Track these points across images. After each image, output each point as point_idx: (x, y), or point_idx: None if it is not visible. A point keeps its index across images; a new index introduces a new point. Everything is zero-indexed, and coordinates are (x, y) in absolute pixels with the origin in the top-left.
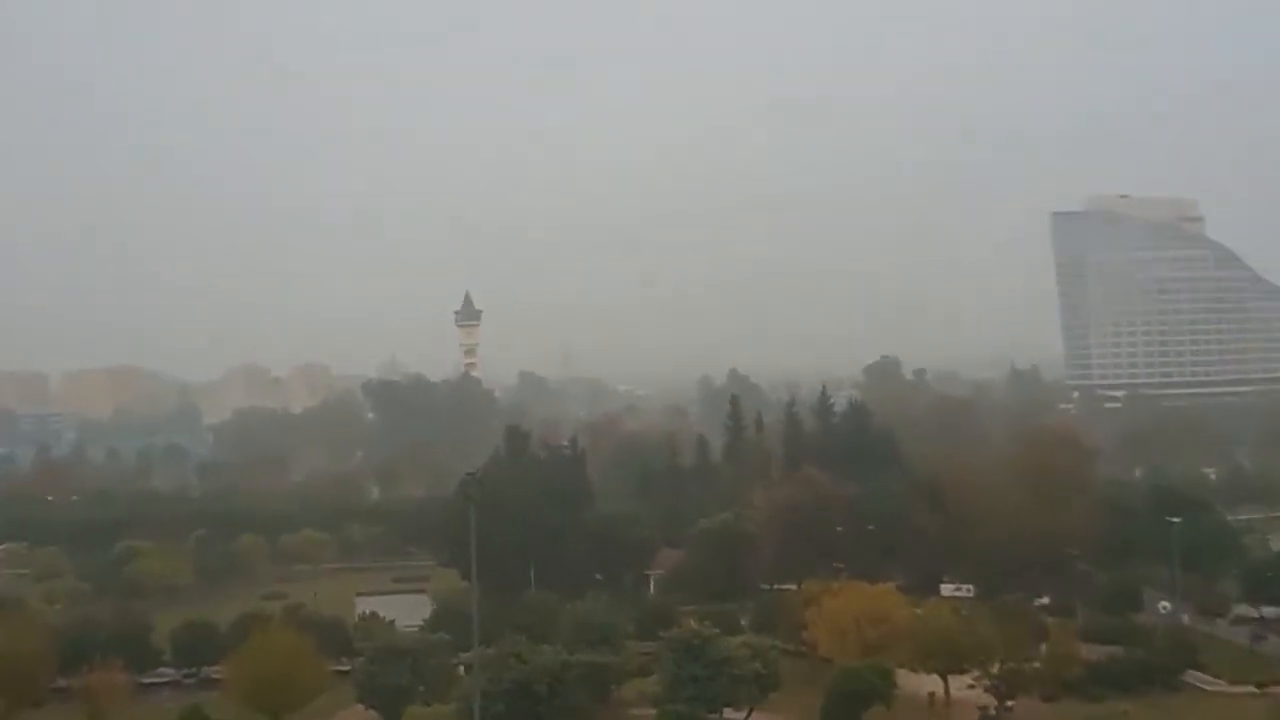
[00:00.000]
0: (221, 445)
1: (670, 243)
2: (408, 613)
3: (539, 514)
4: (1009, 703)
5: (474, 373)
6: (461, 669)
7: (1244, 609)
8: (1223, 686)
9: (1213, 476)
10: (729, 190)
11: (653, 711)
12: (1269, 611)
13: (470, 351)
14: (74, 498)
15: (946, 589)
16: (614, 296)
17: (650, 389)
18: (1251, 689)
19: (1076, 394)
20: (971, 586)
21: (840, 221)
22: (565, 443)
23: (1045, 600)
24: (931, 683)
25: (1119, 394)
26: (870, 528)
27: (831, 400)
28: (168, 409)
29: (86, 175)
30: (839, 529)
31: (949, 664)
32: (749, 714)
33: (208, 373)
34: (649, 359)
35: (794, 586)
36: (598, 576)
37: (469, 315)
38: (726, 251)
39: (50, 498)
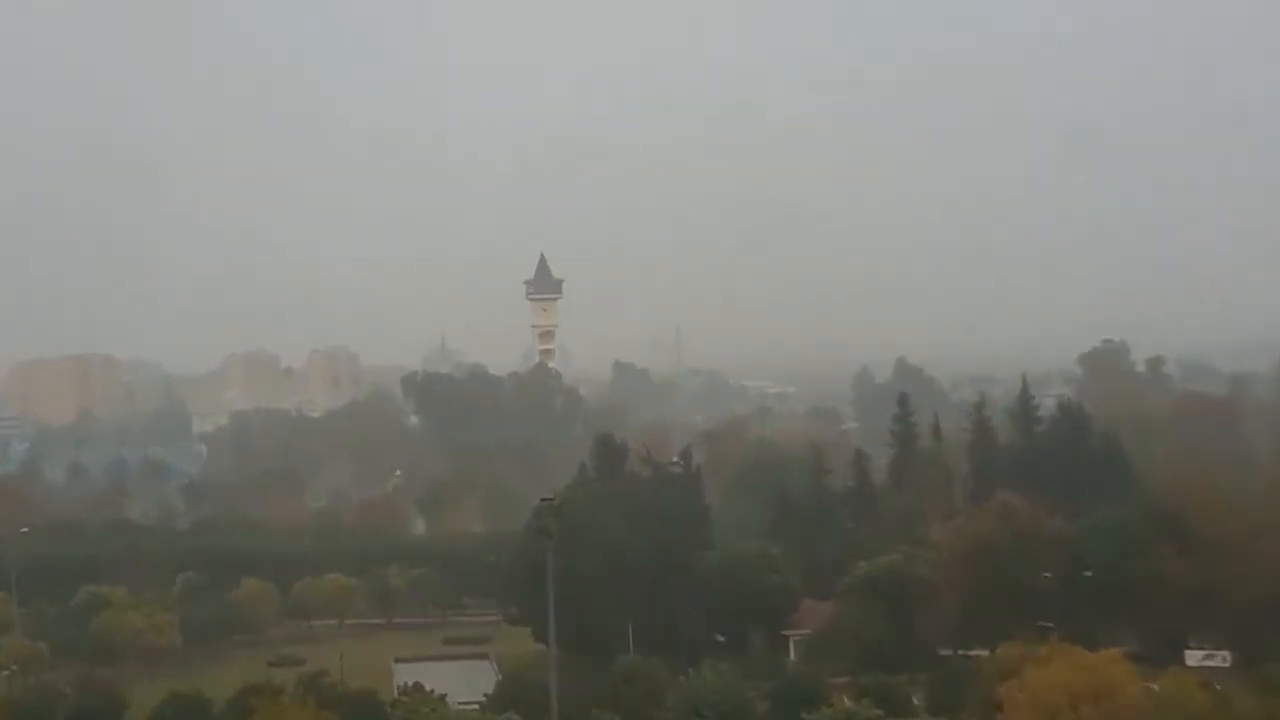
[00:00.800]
0: (217, 459)
1: (805, 191)
2: (464, 684)
3: (639, 554)
4: None
5: (551, 363)
6: None
7: None
8: None
9: None
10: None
11: None
12: None
13: (547, 335)
14: (24, 529)
15: (1194, 656)
16: (737, 263)
17: (789, 385)
18: None
19: None
20: (1228, 653)
21: (1051, 155)
22: (676, 458)
23: None
24: None
25: None
26: (1088, 573)
27: (1035, 400)
28: (147, 411)
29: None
30: (1046, 575)
31: None
32: None
33: (200, 362)
34: (786, 345)
35: (986, 652)
36: (719, 638)
37: (545, 286)
38: (886, 196)
39: None
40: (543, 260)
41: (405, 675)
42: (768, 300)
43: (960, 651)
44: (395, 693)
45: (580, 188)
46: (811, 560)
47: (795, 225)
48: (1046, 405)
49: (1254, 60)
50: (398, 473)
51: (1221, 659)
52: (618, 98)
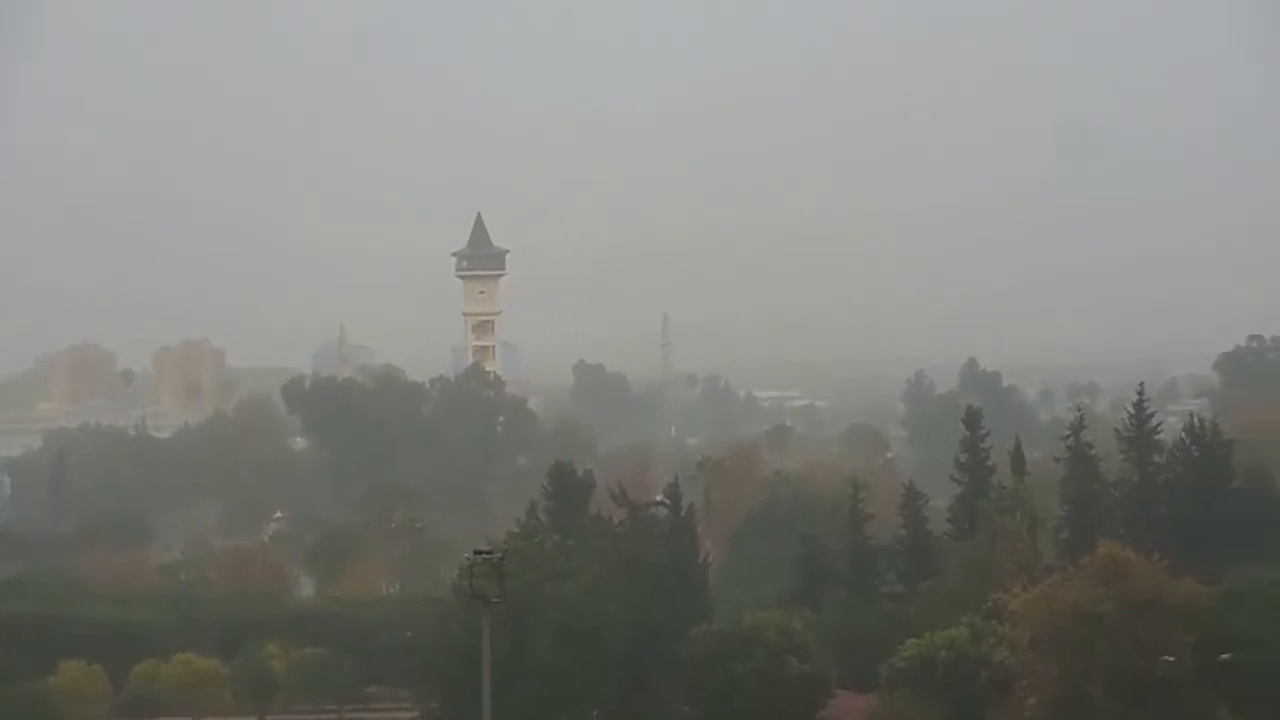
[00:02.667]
0: (27, 494)
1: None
2: None
3: (609, 629)
4: None
5: (490, 365)
6: None
7: None
8: None
9: None
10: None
11: None
12: None
13: (484, 327)
14: None
15: None
16: (745, 230)
17: (816, 395)
18: None
19: None
20: None
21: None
22: (661, 495)
23: None
24: None
25: None
26: (1228, 656)
27: (1156, 419)
28: None
29: None
30: (1169, 658)
31: None
32: None
33: (4, 362)
34: (814, 341)
35: None
36: None
37: (482, 258)
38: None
39: None
40: (479, 223)
41: None
42: (788, 291)
43: None
44: None
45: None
46: (847, 637)
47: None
48: (1171, 426)
49: None
50: (278, 514)
51: None
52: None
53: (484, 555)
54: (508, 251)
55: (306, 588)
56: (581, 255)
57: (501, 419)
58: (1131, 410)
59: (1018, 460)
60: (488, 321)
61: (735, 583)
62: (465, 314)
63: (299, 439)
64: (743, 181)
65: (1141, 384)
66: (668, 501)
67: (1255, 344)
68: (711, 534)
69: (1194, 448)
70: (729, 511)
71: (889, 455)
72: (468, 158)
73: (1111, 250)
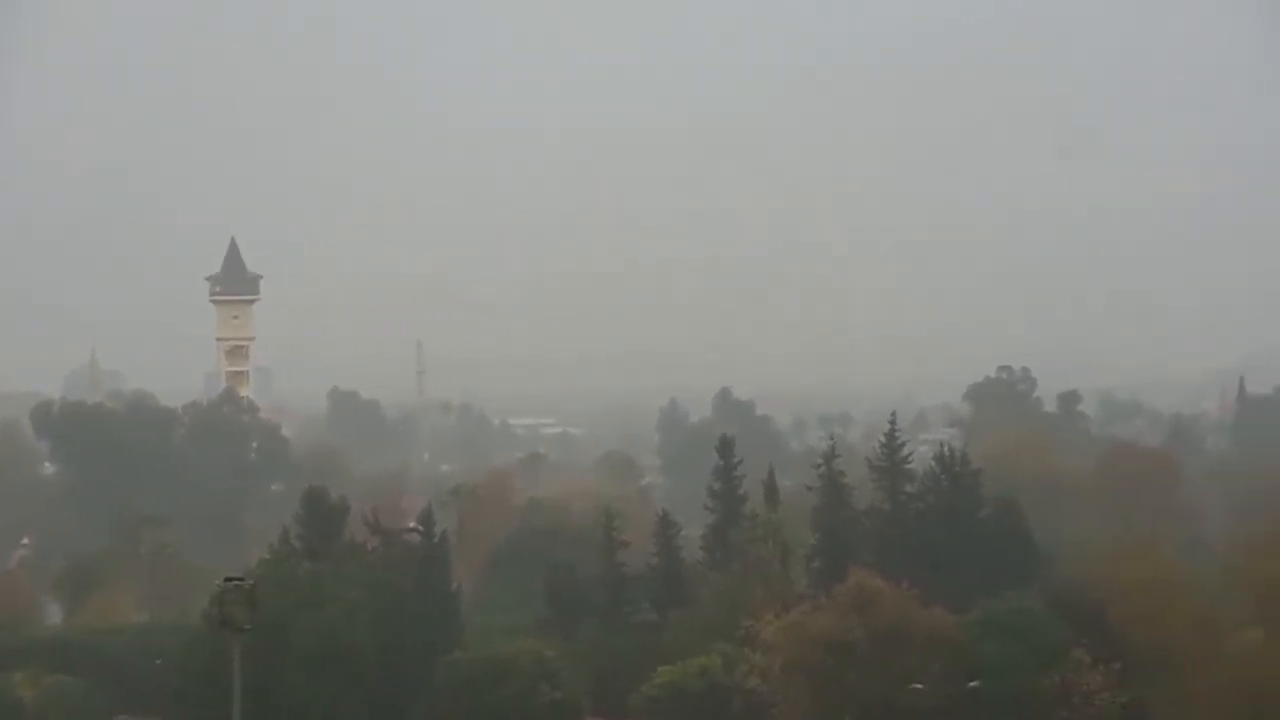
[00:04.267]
0: None
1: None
2: None
3: (360, 658)
4: None
5: (244, 390)
6: None
7: None
8: None
9: None
10: None
11: None
12: None
13: (237, 352)
14: None
15: None
16: (500, 264)
17: (572, 423)
18: None
19: None
20: None
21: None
22: (414, 522)
23: None
24: None
25: None
26: (975, 684)
27: (905, 446)
28: None
29: None
30: (917, 686)
31: None
32: None
33: None
34: (570, 371)
35: None
36: None
37: (235, 284)
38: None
39: None
40: (234, 248)
41: None
42: (546, 314)
43: None
44: None
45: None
46: (600, 665)
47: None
48: (922, 455)
49: None
50: (25, 541)
51: None
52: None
53: (235, 582)
54: (261, 277)
55: (53, 615)
56: (338, 282)
57: (255, 445)
58: (883, 439)
59: (770, 489)
60: (241, 347)
61: (489, 610)
62: (218, 339)
63: (47, 464)
64: (514, 222)
65: (893, 414)
66: (421, 528)
67: (1004, 374)
68: (465, 561)
69: (944, 477)
70: (483, 539)
71: (643, 483)
72: (226, 182)
73: (863, 283)
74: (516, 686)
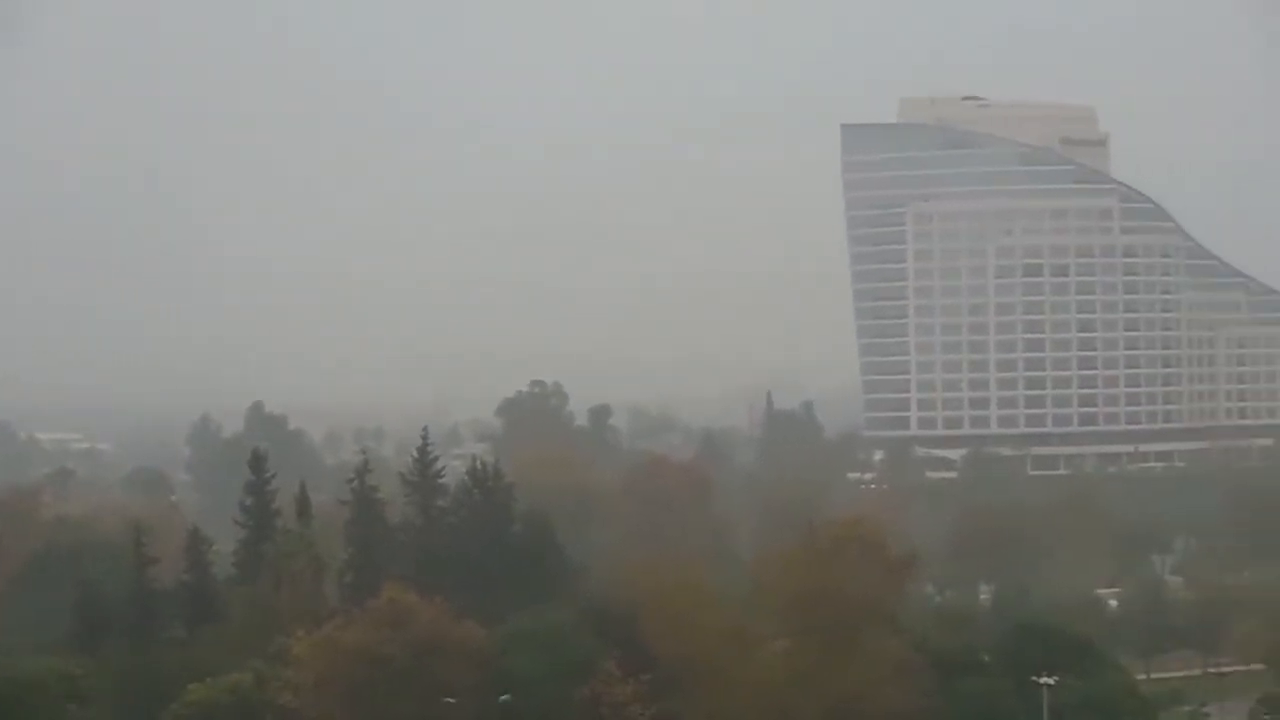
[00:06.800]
0: None
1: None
2: None
3: None
4: None
5: None
6: None
7: None
8: None
9: (1113, 603)
10: None
11: None
12: None
13: None
14: None
15: None
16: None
17: (100, 439)
18: None
19: (881, 454)
20: None
21: None
22: None
23: None
24: None
25: (955, 454)
26: (507, 696)
27: (438, 461)
28: None
29: None
30: (450, 699)
31: None
32: None
33: None
34: (98, 385)
35: None
36: None
37: None
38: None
39: None
40: None
41: None
42: (69, 328)
43: None
44: None
45: None
46: (129, 683)
47: None
48: (455, 469)
49: None
50: None
51: None
52: None
53: None
54: None
55: None
56: None
57: None
58: (416, 454)
59: (303, 504)
60: None
61: (15, 629)
62: None
63: None
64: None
65: (425, 428)
66: None
67: (537, 389)
68: None
69: (476, 491)
70: (9, 557)
71: (173, 499)
72: None
73: (396, 299)
74: (43, 705)
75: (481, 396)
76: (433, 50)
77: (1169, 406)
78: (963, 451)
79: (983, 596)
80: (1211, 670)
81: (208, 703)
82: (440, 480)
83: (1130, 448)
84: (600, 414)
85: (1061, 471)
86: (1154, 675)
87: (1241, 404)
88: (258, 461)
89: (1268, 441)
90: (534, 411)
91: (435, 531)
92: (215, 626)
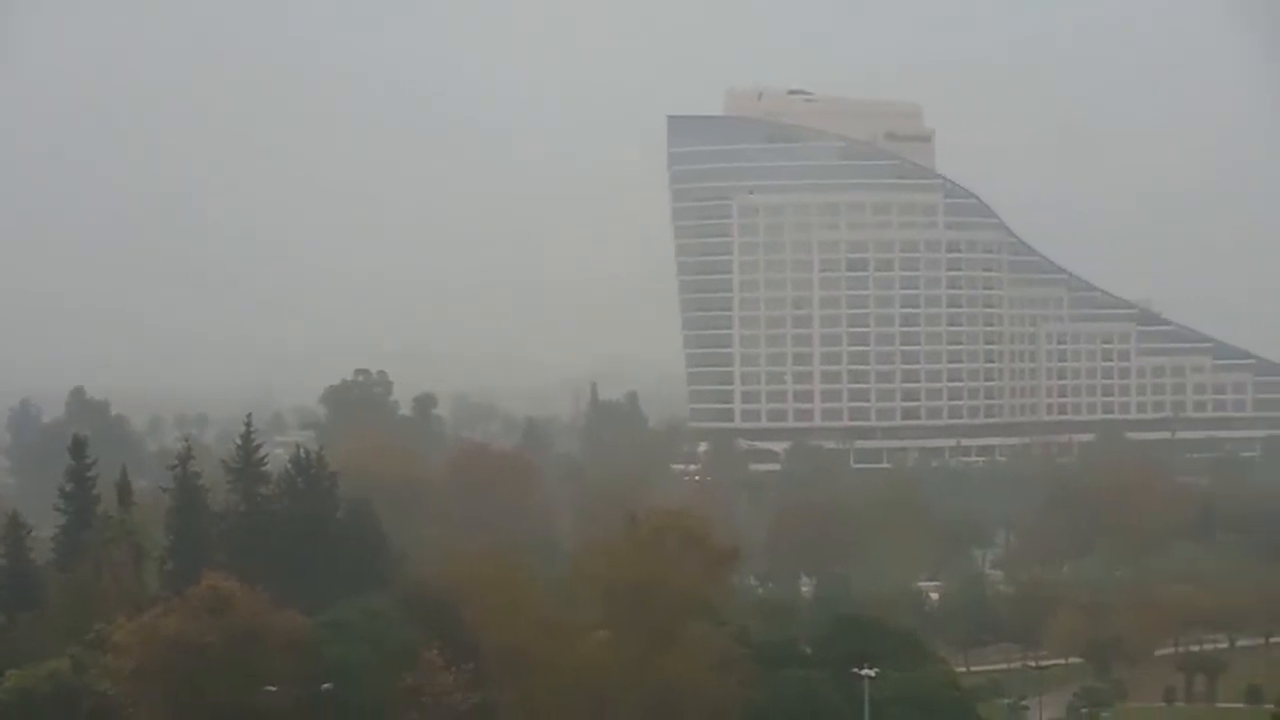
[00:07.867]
0: None
1: None
2: None
3: None
4: None
5: None
6: None
7: None
8: None
9: (934, 596)
10: None
11: None
12: None
13: None
14: None
15: None
16: None
17: None
18: None
19: (705, 446)
20: None
21: None
22: None
23: None
24: None
25: (779, 446)
26: (329, 686)
27: (262, 449)
28: None
29: None
30: (271, 688)
31: None
32: None
33: None
34: None
35: None
36: None
37: None
38: None
39: None
40: None
41: None
42: None
43: None
44: None
45: None
46: None
47: None
48: (279, 458)
49: None
50: None
51: None
52: None
53: None
54: None
55: None
56: None
57: None
58: (239, 441)
59: (124, 490)
60: None
61: None
62: None
63: None
64: None
65: (249, 415)
66: None
67: (362, 377)
68: None
69: (300, 479)
70: None
71: None
72: None
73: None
74: None
75: (305, 384)
76: None
77: (991, 402)
78: (786, 444)
79: (805, 589)
80: (1031, 663)
81: (25, 689)
82: (263, 467)
83: (952, 442)
84: (424, 403)
85: (884, 465)
86: (974, 667)
87: (1062, 400)
88: (78, 447)
89: (1087, 437)
90: (358, 400)
91: (257, 519)
92: (34, 613)
